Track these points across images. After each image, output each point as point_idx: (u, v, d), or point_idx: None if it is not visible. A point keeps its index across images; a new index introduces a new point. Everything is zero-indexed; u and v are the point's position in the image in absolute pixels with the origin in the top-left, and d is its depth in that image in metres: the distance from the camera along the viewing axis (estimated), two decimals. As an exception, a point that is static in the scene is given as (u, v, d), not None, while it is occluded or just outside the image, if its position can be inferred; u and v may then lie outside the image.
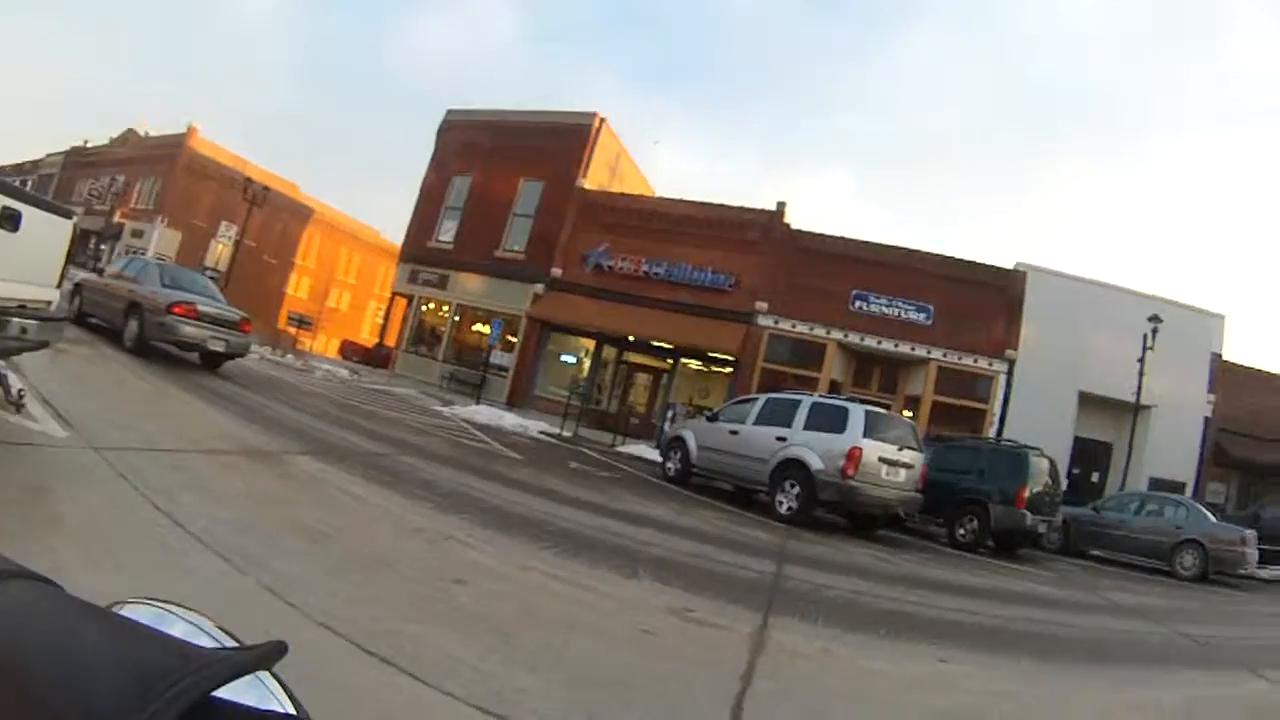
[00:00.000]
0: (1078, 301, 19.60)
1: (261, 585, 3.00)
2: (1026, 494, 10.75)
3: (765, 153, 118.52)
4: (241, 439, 6.42)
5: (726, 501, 10.14)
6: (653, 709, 2.81)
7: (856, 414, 9.38)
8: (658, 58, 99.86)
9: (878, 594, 6.07)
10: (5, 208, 4.35)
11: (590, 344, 20.66)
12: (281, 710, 0.49)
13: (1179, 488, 18.28)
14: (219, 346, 10.05)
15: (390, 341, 24.30)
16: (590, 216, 20.53)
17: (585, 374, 20.30)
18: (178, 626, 0.55)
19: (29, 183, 36.85)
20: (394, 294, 24.57)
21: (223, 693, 0.42)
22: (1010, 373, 18.98)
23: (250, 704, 0.46)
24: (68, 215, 5.22)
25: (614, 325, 19.33)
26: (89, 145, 41.84)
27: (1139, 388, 16.52)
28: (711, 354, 19.23)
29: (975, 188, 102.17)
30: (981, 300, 18.92)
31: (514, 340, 20.54)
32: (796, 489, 9.25)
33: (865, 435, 9.13)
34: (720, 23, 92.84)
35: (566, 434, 14.92)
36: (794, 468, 9.36)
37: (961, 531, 10.93)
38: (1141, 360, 16.41)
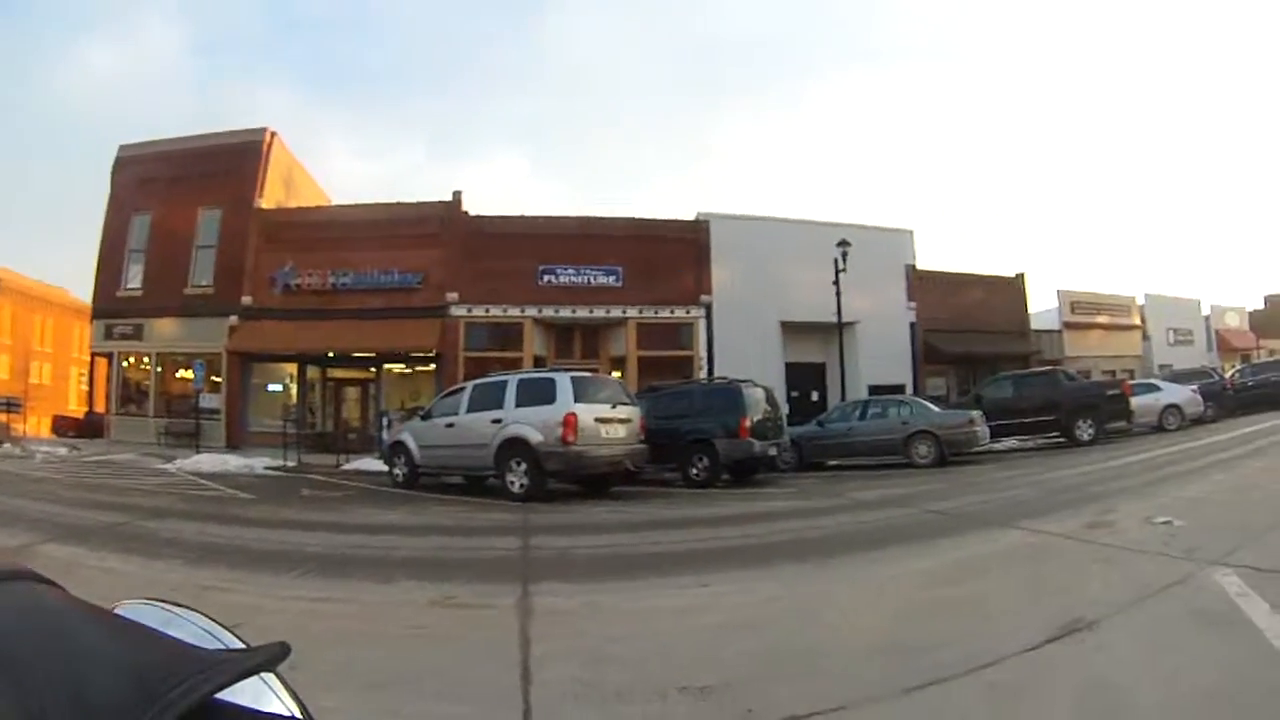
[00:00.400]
0: (765, 240, 20.76)
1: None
2: (748, 424, 11.27)
3: (436, 146, 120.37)
4: (-18, 540, 5.94)
5: (460, 493, 10.38)
6: (449, 692, 2.89)
7: (563, 382, 9.61)
8: (324, 61, 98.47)
9: (626, 543, 6.37)
10: None
11: (293, 368, 19.72)
12: (285, 713, 0.48)
13: (899, 390, 19.75)
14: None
15: (100, 407, 22.07)
16: (272, 237, 19.54)
17: (295, 400, 19.40)
18: (182, 628, 0.54)
19: None
20: (93, 355, 22.30)
21: (226, 695, 0.41)
22: (709, 316, 19.89)
23: (253, 706, 0.45)
24: None
25: (312, 344, 18.57)
26: None
27: (839, 308, 17.66)
28: (413, 354, 19.03)
29: (657, 147, 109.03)
30: (669, 254, 19.70)
31: (219, 380, 19.29)
32: (523, 466, 9.36)
33: (577, 401, 9.38)
34: (379, 20, 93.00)
35: (291, 464, 14.58)
36: (516, 446, 9.45)
37: (694, 471, 11.29)
38: (836, 282, 17.55)
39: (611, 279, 19.11)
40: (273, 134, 20.70)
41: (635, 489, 10.62)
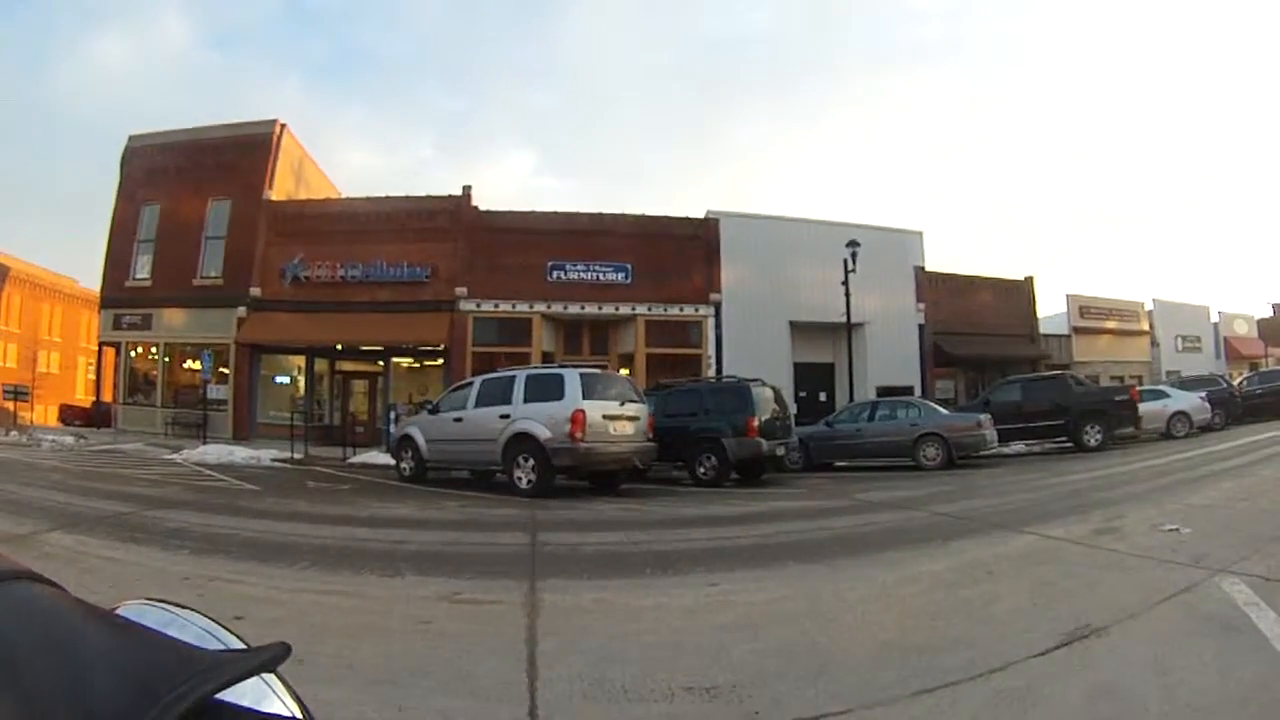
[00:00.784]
0: (774, 239, 20.72)
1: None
2: (756, 423, 11.22)
3: (446, 142, 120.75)
4: (-9, 528, 5.99)
5: (467, 488, 10.32)
6: (454, 687, 2.88)
7: (572, 379, 9.58)
8: (333, 53, 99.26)
9: (635, 541, 6.28)
10: None
11: (301, 360, 19.79)
12: (286, 713, 0.47)
13: (907, 391, 19.69)
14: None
15: (108, 397, 22.17)
16: (282, 228, 19.59)
17: (302, 392, 19.47)
18: (182, 629, 0.54)
19: None
20: (101, 344, 22.35)
21: (227, 695, 0.41)
22: (718, 315, 19.87)
23: (254, 707, 0.45)
24: None
25: (320, 336, 18.64)
26: None
27: (848, 308, 17.61)
28: (421, 348, 18.99)
29: (668, 146, 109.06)
30: (679, 252, 19.67)
31: (226, 371, 19.37)
32: (531, 461, 9.34)
33: (585, 397, 9.35)
34: (393, 14, 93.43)
35: (298, 456, 14.62)
36: (524, 441, 9.44)
37: (702, 470, 11.25)
38: (845, 283, 17.48)
39: (621, 276, 19.11)
40: (283, 126, 20.73)
41: (643, 487, 10.60)
